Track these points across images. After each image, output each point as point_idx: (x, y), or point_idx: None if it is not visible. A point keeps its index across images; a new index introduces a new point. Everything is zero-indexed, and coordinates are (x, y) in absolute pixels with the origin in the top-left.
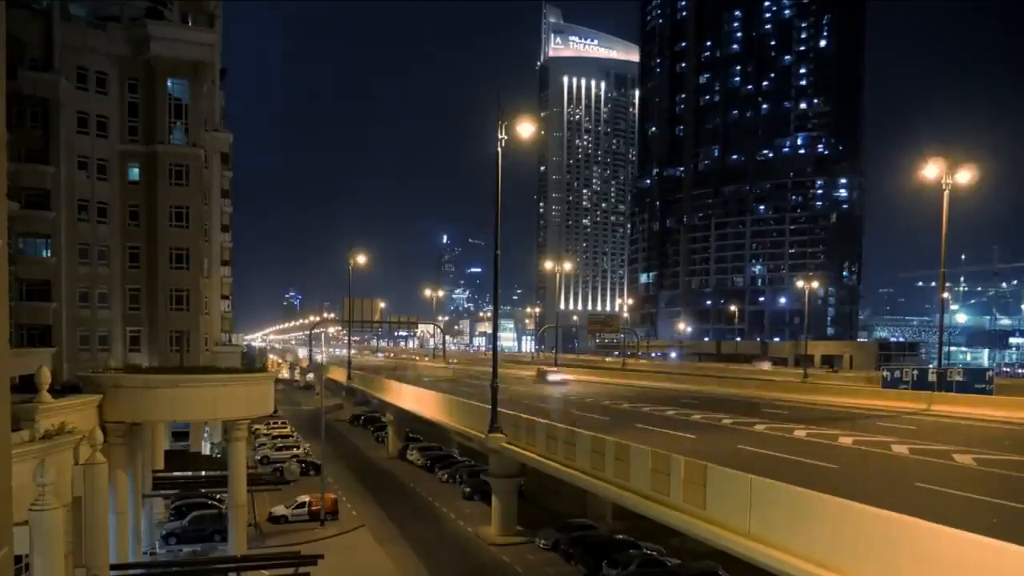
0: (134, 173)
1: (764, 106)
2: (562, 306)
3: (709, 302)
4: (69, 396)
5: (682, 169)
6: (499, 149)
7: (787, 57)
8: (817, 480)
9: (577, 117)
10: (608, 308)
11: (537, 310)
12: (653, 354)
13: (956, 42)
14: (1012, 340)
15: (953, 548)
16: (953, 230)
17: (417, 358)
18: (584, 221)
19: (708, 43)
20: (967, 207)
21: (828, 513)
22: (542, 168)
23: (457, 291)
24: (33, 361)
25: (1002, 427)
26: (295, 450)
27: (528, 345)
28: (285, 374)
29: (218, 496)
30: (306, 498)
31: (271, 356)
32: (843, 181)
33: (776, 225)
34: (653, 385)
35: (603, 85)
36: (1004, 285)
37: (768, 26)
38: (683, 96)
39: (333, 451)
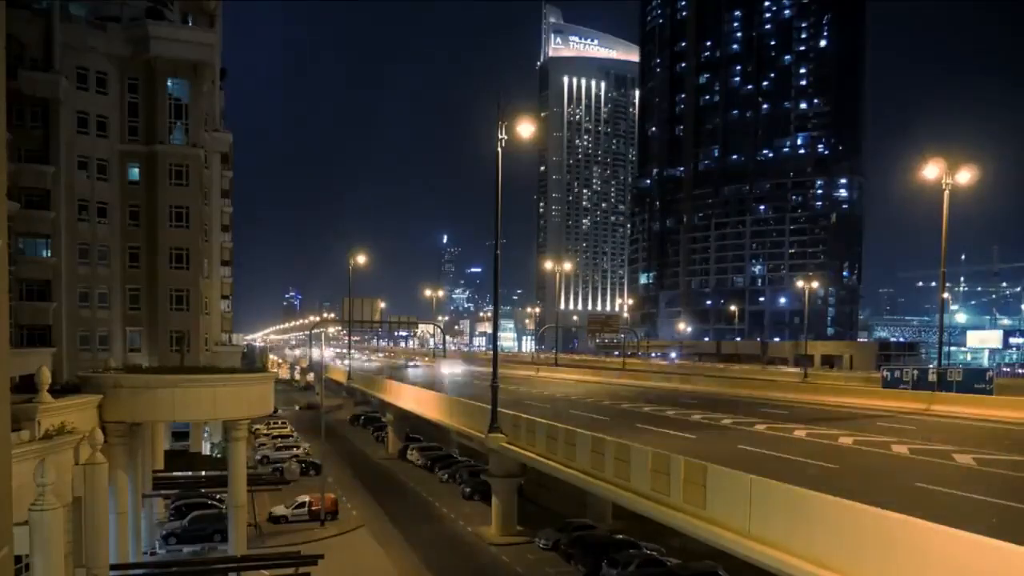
0: (134, 173)
1: (764, 106)
2: (562, 306)
3: (709, 302)
4: (69, 396)
5: (682, 169)
6: (499, 149)
7: (787, 57)
8: (817, 480)
9: (577, 117)
10: (608, 308)
11: (537, 310)
12: (653, 354)
13: (956, 42)
14: (1012, 340)
15: (953, 548)
16: (953, 230)
17: (417, 358)
18: (584, 221)
19: (708, 43)
20: (967, 207)
21: (828, 513)
22: (542, 168)
23: (457, 291)
24: (33, 361)
25: (1002, 427)
26: (295, 450)
27: (528, 345)
28: (284, 374)
29: (218, 496)
30: (306, 498)
31: (271, 356)
32: (843, 181)
33: (776, 225)
34: (653, 385)
35: (603, 85)
36: (1004, 284)
37: (768, 26)
38: (683, 96)
39: (333, 451)
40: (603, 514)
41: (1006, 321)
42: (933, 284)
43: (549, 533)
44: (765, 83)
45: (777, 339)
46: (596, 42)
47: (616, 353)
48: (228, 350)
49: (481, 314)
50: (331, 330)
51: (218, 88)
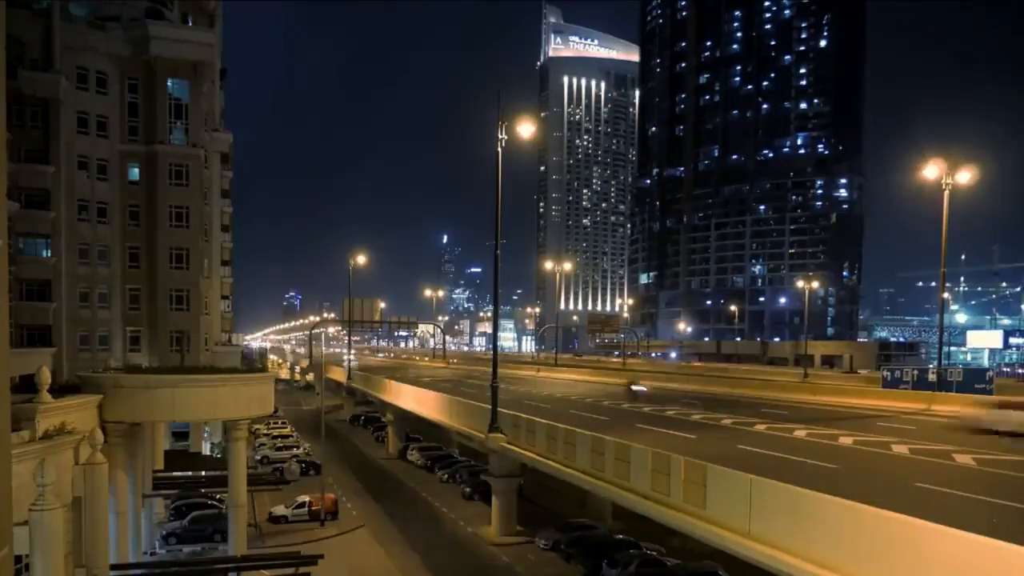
0: (134, 173)
1: (764, 106)
2: (562, 306)
3: (709, 302)
4: (69, 396)
5: (682, 169)
6: (499, 149)
7: (787, 57)
8: (817, 480)
9: (577, 117)
10: (608, 308)
11: (537, 310)
12: (653, 354)
13: (956, 42)
14: (1012, 340)
15: (953, 548)
16: (953, 230)
17: (417, 358)
18: (584, 221)
19: (708, 43)
20: (967, 207)
21: (828, 513)
22: (542, 168)
23: (457, 291)
24: (33, 361)
25: None
26: (295, 450)
27: (528, 345)
28: (284, 374)
29: (218, 496)
30: (306, 498)
31: (272, 356)
32: (843, 181)
33: (776, 225)
34: (653, 385)
35: (603, 85)
36: (1004, 284)
37: (768, 26)
38: (683, 96)
39: (333, 451)
40: (603, 514)
41: (1006, 321)
42: (933, 284)
43: (549, 533)
44: (765, 83)
45: (777, 339)
46: (596, 42)
47: (616, 353)
48: (228, 350)
49: (481, 314)
50: (331, 330)
51: (218, 88)
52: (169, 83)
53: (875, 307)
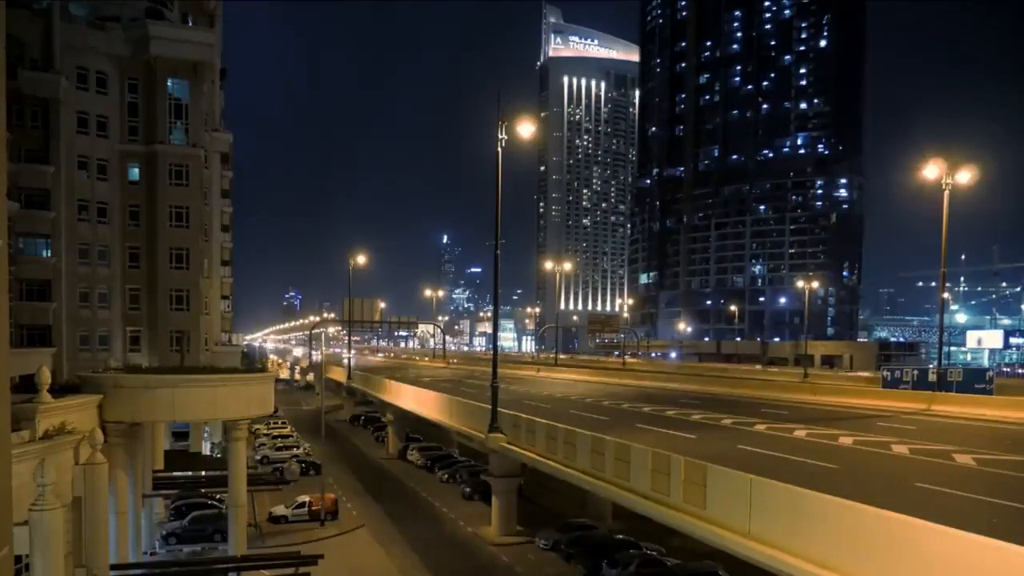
0: (134, 173)
1: (764, 106)
2: (562, 306)
3: (709, 302)
4: (69, 396)
5: (682, 169)
6: (499, 149)
7: (787, 57)
8: (818, 480)
9: (577, 117)
10: (608, 308)
11: (537, 310)
12: (653, 354)
13: (956, 42)
14: (1012, 340)
15: (953, 548)
16: (953, 230)
17: (417, 358)
18: (584, 221)
19: (708, 43)
20: (967, 207)
21: (828, 513)
22: (542, 168)
23: (457, 291)
24: (33, 361)
25: (1002, 427)
26: (295, 450)
27: (528, 345)
28: (284, 374)
29: (218, 496)
30: (306, 498)
31: (272, 356)
32: (843, 181)
33: (776, 225)
34: (653, 385)
35: (603, 85)
36: (1004, 284)
37: (768, 26)
38: (683, 96)
39: (333, 451)
40: (603, 514)
41: (1006, 321)
42: (933, 284)
43: (549, 533)
44: (765, 83)
45: (777, 339)
46: (596, 42)
47: (616, 353)
48: (228, 350)
49: (481, 314)
50: (331, 330)
51: (218, 88)
52: (169, 83)
53: (875, 307)
